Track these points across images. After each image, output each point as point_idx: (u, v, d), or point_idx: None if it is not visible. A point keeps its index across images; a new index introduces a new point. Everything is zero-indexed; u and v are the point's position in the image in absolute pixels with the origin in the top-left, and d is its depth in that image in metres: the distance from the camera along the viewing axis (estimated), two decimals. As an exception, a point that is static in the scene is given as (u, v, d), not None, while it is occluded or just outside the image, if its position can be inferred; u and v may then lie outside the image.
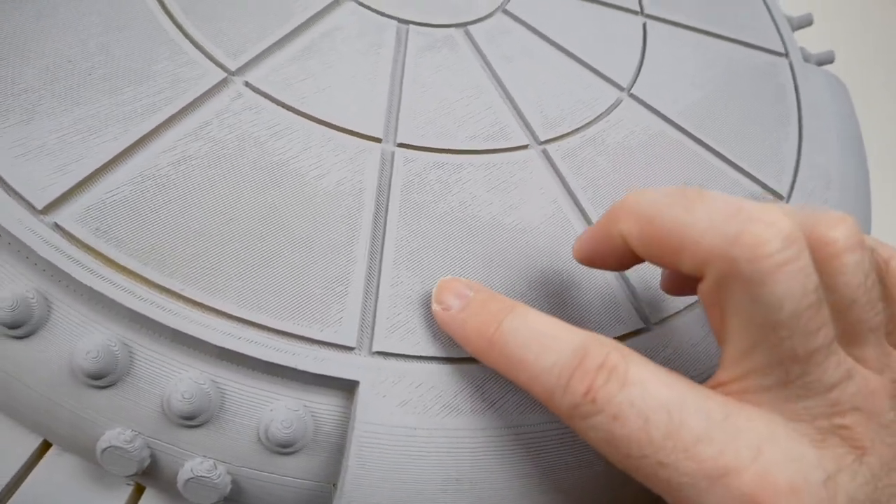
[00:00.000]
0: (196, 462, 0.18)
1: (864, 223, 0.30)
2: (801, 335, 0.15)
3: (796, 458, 0.15)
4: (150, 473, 0.19)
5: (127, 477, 0.19)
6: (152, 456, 0.18)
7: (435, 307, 0.20)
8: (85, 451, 0.19)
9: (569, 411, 0.16)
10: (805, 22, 0.38)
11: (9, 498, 0.19)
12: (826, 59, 0.37)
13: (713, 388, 0.16)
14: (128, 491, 0.19)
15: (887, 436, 0.16)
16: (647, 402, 0.15)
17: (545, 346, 0.17)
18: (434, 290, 0.20)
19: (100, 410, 0.18)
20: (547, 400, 0.17)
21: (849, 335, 0.17)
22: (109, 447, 0.18)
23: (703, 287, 0.16)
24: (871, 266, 0.17)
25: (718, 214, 0.15)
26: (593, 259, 0.20)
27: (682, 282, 0.21)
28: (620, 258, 0.19)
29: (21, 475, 0.19)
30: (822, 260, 0.16)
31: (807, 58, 0.35)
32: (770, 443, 0.15)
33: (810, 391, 0.16)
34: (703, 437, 0.15)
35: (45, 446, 0.19)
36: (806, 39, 0.38)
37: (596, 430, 0.16)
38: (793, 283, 0.15)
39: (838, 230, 0.16)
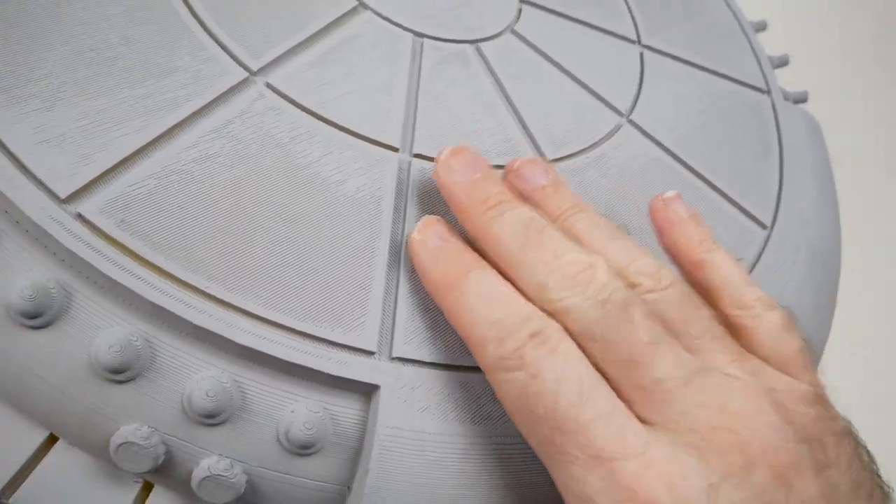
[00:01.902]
0: (213, 460, 0.18)
1: (836, 257, 0.32)
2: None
3: (678, 461, 0.16)
4: (162, 471, 0.19)
5: (138, 474, 0.19)
6: (167, 453, 0.18)
7: (415, 236, 0.21)
8: (94, 447, 0.18)
9: (495, 362, 0.18)
10: (782, 62, 0.40)
11: (14, 490, 0.18)
12: (801, 98, 0.39)
13: None
14: (136, 488, 0.19)
15: (778, 440, 0.17)
16: (565, 371, 0.17)
17: (498, 302, 0.18)
18: (422, 220, 0.21)
19: (116, 406, 0.18)
20: (479, 347, 0.18)
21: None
22: (125, 443, 0.18)
23: None
24: (644, 313, 0.18)
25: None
26: None
27: None
28: None
29: (26, 468, 0.18)
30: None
31: (785, 96, 0.37)
32: (656, 443, 0.16)
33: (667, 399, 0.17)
34: (603, 417, 0.16)
35: (52, 440, 0.19)
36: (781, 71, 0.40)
37: (512, 383, 0.17)
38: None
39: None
